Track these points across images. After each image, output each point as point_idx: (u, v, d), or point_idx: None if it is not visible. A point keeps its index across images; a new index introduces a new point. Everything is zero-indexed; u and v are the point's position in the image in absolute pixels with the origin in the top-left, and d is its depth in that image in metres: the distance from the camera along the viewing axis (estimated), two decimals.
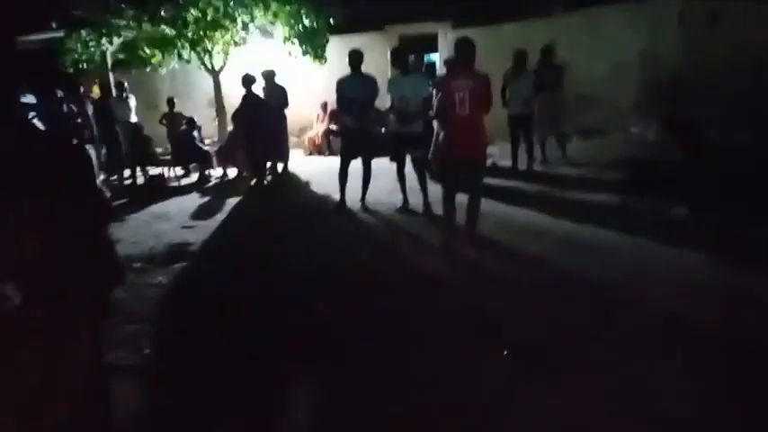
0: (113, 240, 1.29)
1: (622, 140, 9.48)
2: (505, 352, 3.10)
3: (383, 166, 6.81)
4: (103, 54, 11.06)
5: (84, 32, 10.13)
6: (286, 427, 2.70)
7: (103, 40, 10.33)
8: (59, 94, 8.40)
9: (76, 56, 10.33)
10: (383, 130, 6.67)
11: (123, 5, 9.81)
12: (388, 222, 6.25)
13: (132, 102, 10.21)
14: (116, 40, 10.59)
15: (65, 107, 8.41)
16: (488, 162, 6.39)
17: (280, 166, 9.50)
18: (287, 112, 9.39)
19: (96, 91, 10.87)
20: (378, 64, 9.65)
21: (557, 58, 8.63)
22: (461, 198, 5.10)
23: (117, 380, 2.35)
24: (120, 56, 11.38)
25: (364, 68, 6.57)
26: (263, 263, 5.09)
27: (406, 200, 6.53)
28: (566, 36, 9.91)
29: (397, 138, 6.35)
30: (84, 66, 10.63)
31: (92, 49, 10.40)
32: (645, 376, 2.83)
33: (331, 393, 2.93)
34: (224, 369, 3.18)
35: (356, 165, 6.61)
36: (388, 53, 7.20)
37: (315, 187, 8.42)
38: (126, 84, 10.39)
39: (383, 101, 6.77)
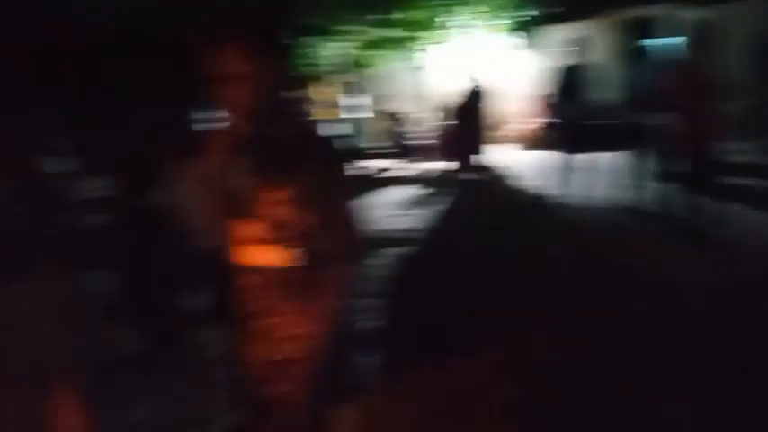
0: (356, 218, 1.52)
1: None
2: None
3: (608, 159, 6.41)
4: (340, 58, 12.21)
5: (316, 39, 11.29)
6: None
7: (336, 45, 11.40)
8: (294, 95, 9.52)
9: (310, 60, 11.56)
10: (608, 121, 6.26)
11: (344, 12, 10.73)
12: (611, 220, 5.87)
13: (362, 100, 11.12)
14: (346, 45, 11.62)
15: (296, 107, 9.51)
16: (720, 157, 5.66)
17: (494, 160, 9.51)
18: (498, 106, 9.39)
19: (324, 93, 12.08)
20: (600, 52, 9.06)
21: None
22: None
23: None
24: (347, 59, 12.46)
25: (585, 57, 6.26)
26: (478, 252, 5.15)
27: (634, 196, 6.04)
28: None
29: (627, 129, 5.92)
30: (317, 69, 11.87)
31: (335, 54, 11.57)
32: None
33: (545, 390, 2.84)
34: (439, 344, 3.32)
35: (577, 159, 6.35)
36: (616, 40, 6.74)
37: (530, 181, 8.26)
38: (357, 84, 11.35)
39: (609, 91, 6.37)
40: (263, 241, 1.46)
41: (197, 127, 2.68)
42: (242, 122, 1.52)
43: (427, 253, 5.46)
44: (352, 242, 1.47)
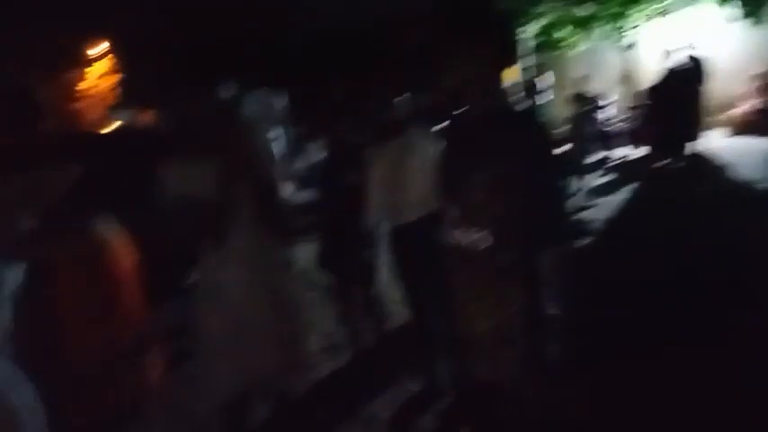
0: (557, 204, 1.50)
1: None
2: None
3: None
4: (522, 40, 11.96)
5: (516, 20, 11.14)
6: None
7: (524, 27, 11.19)
8: None
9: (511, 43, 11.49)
10: None
11: None
12: None
13: (547, 83, 10.81)
14: (535, 26, 11.33)
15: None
16: None
17: (693, 147, 8.61)
18: (707, 86, 8.41)
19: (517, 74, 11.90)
20: None
21: None
22: None
23: None
24: (538, 40, 12.11)
25: None
26: (666, 250, 4.80)
27: None
28: None
29: None
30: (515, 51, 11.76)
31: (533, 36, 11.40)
32: None
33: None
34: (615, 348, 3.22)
35: None
36: None
37: (739, 171, 7.32)
38: (541, 66, 11.05)
39: None
40: (461, 221, 1.54)
41: (398, 113, 2.83)
42: (455, 104, 1.57)
43: (610, 246, 5.24)
44: (549, 228, 1.46)
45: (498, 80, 1.60)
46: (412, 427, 2.71)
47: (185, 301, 2.32)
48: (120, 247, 2.66)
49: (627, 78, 11.07)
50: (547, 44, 11.95)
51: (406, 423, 2.74)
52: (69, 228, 2.42)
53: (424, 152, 2.69)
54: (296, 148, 7.18)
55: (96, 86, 17.58)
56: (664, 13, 10.24)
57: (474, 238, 1.50)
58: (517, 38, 11.58)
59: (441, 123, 2.56)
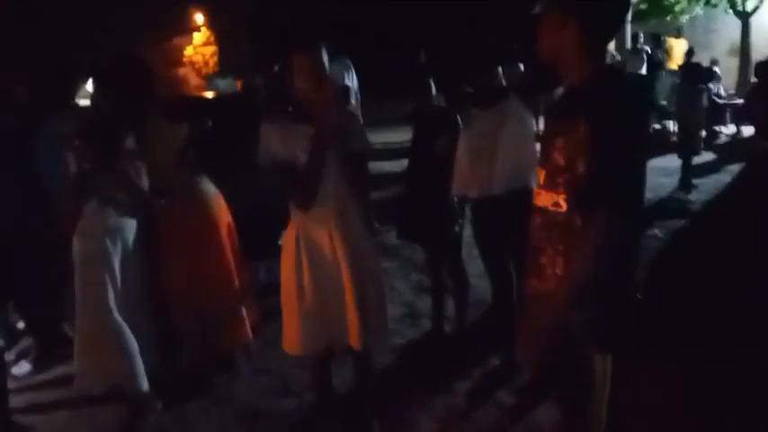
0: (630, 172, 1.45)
1: None
2: None
3: None
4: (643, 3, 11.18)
5: None
6: None
7: None
8: None
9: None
10: None
11: None
12: None
13: (645, 53, 10.14)
14: None
15: None
16: None
17: None
18: None
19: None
20: None
21: None
22: None
23: None
24: (641, 7, 11.33)
25: None
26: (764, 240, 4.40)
27: None
28: None
29: None
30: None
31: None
32: None
33: None
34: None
35: None
36: None
37: None
38: (641, 35, 10.33)
39: None
40: (543, 185, 1.55)
41: (490, 81, 2.77)
42: (546, 71, 1.55)
43: (705, 233, 4.90)
44: (615, 195, 1.41)
45: (599, 49, 1.54)
46: (490, 399, 2.71)
47: (275, 262, 2.43)
48: (219, 207, 2.84)
49: (742, 49, 10.14)
50: (655, 10, 11.11)
51: (484, 395, 2.74)
52: (176, 187, 2.61)
53: (520, 124, 2.62)
54: (383, 115, 7.22)
55: (197, 54, 18.57)
56: None
57: (551, 202, 1.51)
58: (621, 3, 10.89)
59: (538, 94, 2.48)
